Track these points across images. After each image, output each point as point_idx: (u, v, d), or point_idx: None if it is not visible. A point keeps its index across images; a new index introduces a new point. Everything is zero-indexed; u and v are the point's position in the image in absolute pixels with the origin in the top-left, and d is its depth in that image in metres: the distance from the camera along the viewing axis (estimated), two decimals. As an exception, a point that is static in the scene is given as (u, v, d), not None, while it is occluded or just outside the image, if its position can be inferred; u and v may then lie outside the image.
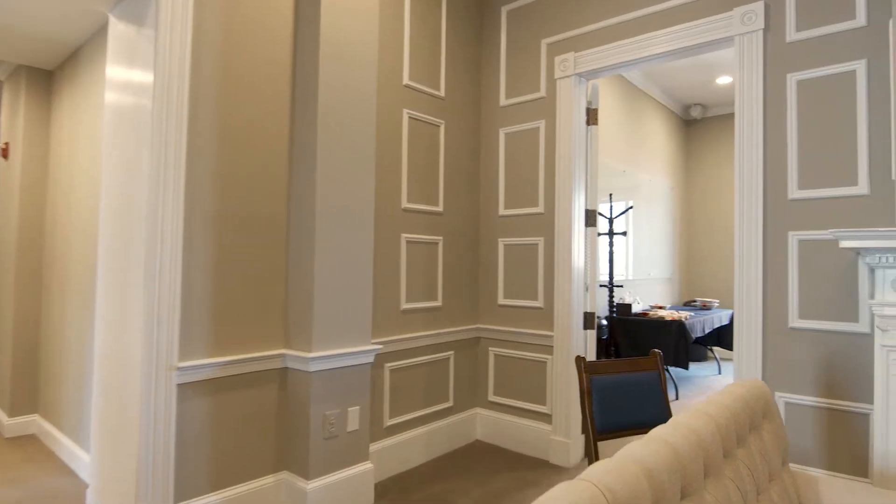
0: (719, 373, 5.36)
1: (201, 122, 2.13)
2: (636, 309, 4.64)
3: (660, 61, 2.85)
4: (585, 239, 3.15)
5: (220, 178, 2.20)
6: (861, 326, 2.13)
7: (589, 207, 3.17)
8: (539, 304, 3.19)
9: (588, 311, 3.13)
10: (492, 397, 3.39)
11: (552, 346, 3.11)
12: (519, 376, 3.27)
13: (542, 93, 3.23)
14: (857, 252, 2.09)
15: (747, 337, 2.41)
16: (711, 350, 5.75)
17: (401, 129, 2.99)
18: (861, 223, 2.15)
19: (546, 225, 3.18)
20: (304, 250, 2.37)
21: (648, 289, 5.52)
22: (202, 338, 2.13)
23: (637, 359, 2.15)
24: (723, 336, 5.03)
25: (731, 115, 6.10)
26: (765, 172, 2.39)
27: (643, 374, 2.15)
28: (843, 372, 2.17)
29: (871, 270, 1.59)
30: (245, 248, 2.29)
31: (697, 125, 6.35)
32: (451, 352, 3.29)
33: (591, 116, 3.19)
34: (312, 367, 2.29)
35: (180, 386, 2.05)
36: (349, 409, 2.45)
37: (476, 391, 3.48)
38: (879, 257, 1.60)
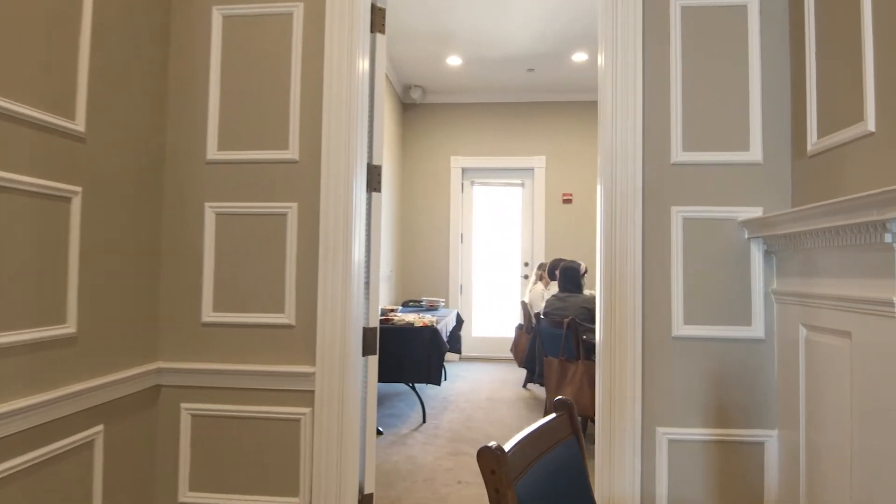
0: (445, 379, 4.93)
1: None
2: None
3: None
4: (368, 211, 1.97)
5: None
6: (754, 331, 1.68)
7: (374, 162, 2.00)
8: (286, 318, 1.83)
9: (369, 325, 1.96)
10: (186, 496, 1.82)
11: (312, 392, 1.80)
12: (245, 451, 1.82)
13: (300, -42, 1.89)
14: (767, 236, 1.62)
15: (620, 354, 1.71)
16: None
17: None
18: (754, 199, 1.71)
19: (305, 181, 1.85)
20: None
21: (372, 288, 4.64)
22: None
23: (549, 424, 1.14)
24: (448, 338, 4.58)
25: (450, 105, 5.81)
26: (644, 127, 1.75)
27: (562, 446, 1.16)
28: (736, 391, 1.69)
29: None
30: None
31: (415, 110, 5.87)
32: (100, 426, 1.59)
33: (378, 20, 2.03)
34: None
35: None
36: None
37: (153, 490, 1.83)
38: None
